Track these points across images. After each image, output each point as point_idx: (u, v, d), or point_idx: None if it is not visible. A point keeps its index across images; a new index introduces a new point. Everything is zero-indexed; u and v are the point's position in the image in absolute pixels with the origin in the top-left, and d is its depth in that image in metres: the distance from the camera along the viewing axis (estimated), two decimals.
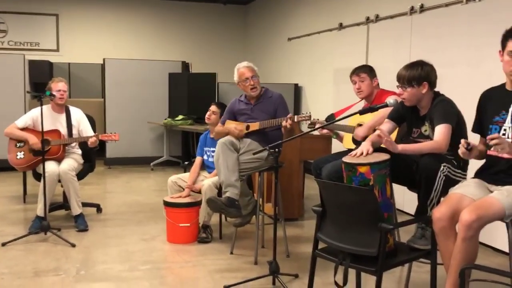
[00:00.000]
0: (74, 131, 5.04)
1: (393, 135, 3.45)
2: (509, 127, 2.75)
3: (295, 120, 3.89)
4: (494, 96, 2.89)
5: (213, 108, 4.87)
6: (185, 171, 5.01)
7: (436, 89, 3.15)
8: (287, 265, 3.90)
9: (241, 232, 4.55)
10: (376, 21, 6.26)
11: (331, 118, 4.31)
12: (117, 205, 5.95)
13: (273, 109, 4.21)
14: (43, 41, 10.01)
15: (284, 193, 4.82)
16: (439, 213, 2.68)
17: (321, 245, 2.76)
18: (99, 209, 5.54)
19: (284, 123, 3.90)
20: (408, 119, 3.24)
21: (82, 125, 5.08)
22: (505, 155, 2.73)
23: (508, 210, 2.57)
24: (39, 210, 4.68)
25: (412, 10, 5.56)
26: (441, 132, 2.92)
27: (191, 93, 8.38)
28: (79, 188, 4.88)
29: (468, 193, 2.74)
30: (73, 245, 4.34)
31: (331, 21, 7.41)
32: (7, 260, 4.01)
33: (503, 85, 2.86)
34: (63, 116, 5.04)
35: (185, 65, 9.28)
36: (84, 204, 5.11)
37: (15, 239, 4.38)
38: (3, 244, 4.33)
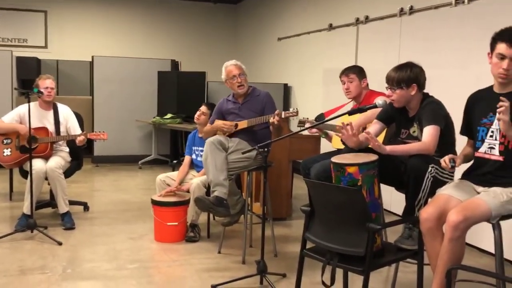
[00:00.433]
0: (62, 129, 5.00)
1: (382, 136, 3.47)
2: (497, 129, 2.77)
3: (282, 116, 3.88)
4: (482, 98, 2.91)
5: (203, 108, 4.87)
6: (173, 170, 4.99)
7: (425, 91, 3.17)
8: (275, 265, 3.91)
9: (229, 232, 4.55)
10: (365, 22, 6.29)
11: (320, 118, 4.32)
12: (105, 203, 5.92)
13: (261, 107, 4.22)
14: (31, 38, 9.94)
15: (272, 193, 4.82)
16: (426, 213, 2.70)
17: (309, 245, 2.76)
18: (86, 207, 5.50)
19: (271, 120, 3.90)
20: (397, 120, 3.26)
21: (70, 123, 5.05)
22: (493, 156, 2.76)
23: (494, 211, 2.59)
24: (26, 208, 4.64)
25: (401, 12, 5.58)
26: (429, 133, 2.94)
27: (180, 91, 8.36)
28: (66, 186, 4.85)
29: (455, 194, 2.77)
30: (60, 243, 4.31)
31: (321, 22, 7.42)
32: None
33: (491, 87, 2.88)
34: (50, 113, 5.00)
35: (175, 64, 9.25)
36: (71, 202, 5.07)
37: (0, 237, 4.34)
38: None
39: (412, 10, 5.43)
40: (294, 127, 5.05)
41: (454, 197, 2.74)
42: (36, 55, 9.27)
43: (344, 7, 6.92)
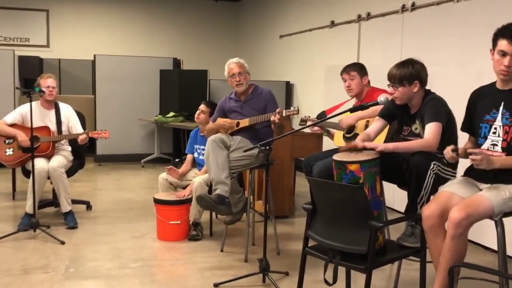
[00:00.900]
0: (64, 128, 5.00)
1: (384, 133, 3.46)
2: (500, 126, 2.75)
3: (284, 114, 3.88)
4: (484, 94, 2.89)
5: (202, 107, 4.86)
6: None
7: (427, 88, 3.15)
8: (278, 263, 3.90)
9: (231, 230, 4.55)
10: (367, 19, 6.27)
11: (322, 116, 4.31)
12: (107, 202, 5.93)
13: (263, 106, 4.21)
14: (33, 37, 9.95)
15: (275, 191, 4.82)
16: (428, 211, 2.69)
17: (311, 243, 2.76)
18: (89, 206, 5.51)
19: (272, 118, 3.89)
20: (399, 117, 3.25)
21: (71, 122, 5.05)
22: (495, 153, 2.74)
23: (497, 208, 2.58)
24: (28, 207, 4.64)
25: (403, 8, 5.57)
26: (431, 130, 2.93)
27: (182, 90, 8.36)
28: (69, 185, 4.85)
29: (458, 191, 2.75)
30: (63, 243, 4.31)
31: (323, 19, 7.41)
32: None
33: (494, 83, 2.86)
34: (52, 113, 5.01)
35: (177, 62, 9.25)
36: (74, 201, 5.08)
37: (3, 236, 4.35)
38: None
39: (414, 7, 5.41)
40: (296, 125, 5.04)
41: (456, 194, 2.73)
42: (38, 54, 9.29)
43: (345, 4, 6.90)
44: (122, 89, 8.59)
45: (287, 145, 5.15)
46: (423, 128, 3.01)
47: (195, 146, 4.90)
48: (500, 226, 2.63)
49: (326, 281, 2.60)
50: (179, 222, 4.44)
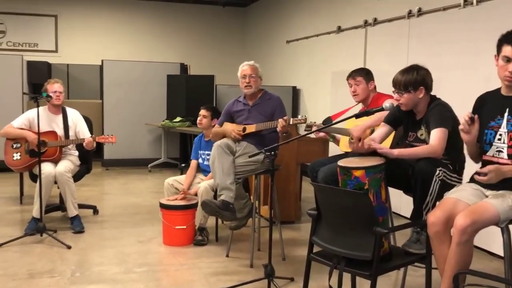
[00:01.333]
0: (71, 133, 5.03)
1: (390, 139, 3.45)
2: (505, 132, 2.74)
3: (291, 122, 3.88)
4: (489, 100, 2.88)
5: (202, 112, 4.85)
6: (181, 173, 5.00)
7: (432, 93, 3.15)
8: (283, 269, 3.90)
9: (237, 235, 4.55)
10: (374, 25, 6.27)
11: (328, 121, 4.30)
12: (114, 206, 5.95)
13: (271, 112, 4.19)
14: (42, 42, 10.03)
15: (280, 196, 4.82)
16: (434, 217, 2.68)
17: (316, 249, 2.75)
18: (95, 210, 5.53)
19: (279, 126, 3.89)
20: (404, 123, 3.24)
21: (79, 127, 5.08)
22: (501, 160, 2.73)
23: (503, 215, 2.56)
24: (35, 212, 4.67)
25: (410, 14, 5.56)
26: (436, 136, 2.92)
27: (189, 95, 8.38)
28: (76, 189, 4.87)
29: (463, 197, 2.74)
30: (69, 247, 4.33)
31: (330, 24, 7.41)
32: (2, 261, 4.00)
33: (499, 89, 2.85)
34: (59, 117, 5.03)
35: (184, 67, 9.28)
36: (81, 206, 5.10)
37: (10, 241, 4.37)
38: None
39: (420, 12, 5.41)
40: (302, 131, 5.04)
41: (462, 201, 2.72)
42: (46, 59, 9.35)
43: (352, 10, 6.91)
44: (130, 94, 8.64)
45: (293, 150, 5.15)
46: (429, 134, 3.00)
47: (199, 152, 4.90)
48: (506, 233, 2.61)
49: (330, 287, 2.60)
50: (185, 227, 4.45)
